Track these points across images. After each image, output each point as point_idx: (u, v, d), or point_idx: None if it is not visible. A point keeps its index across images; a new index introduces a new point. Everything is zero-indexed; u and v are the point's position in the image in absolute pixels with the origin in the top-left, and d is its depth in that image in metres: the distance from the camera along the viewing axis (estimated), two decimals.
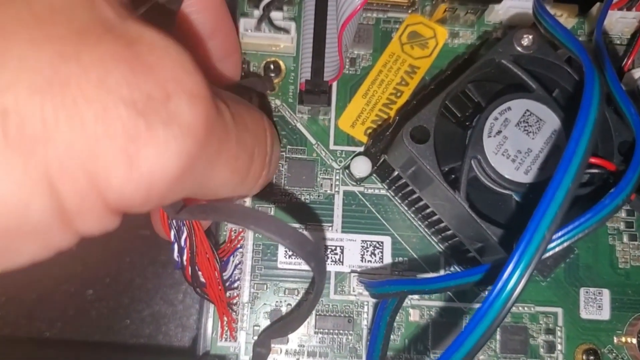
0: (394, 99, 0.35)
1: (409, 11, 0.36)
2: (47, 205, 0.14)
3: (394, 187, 0.34)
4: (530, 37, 0.29)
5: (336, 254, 0.34)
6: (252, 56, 0.35)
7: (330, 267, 0.33)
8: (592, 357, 0.33)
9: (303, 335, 0.33)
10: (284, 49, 0.35)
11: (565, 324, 0.33)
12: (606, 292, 0.34)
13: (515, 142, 0.28)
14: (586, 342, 0.33)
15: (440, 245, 0.34)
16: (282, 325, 0.31)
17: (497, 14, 0.36)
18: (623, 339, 0.33)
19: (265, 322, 0.33)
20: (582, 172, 0.20)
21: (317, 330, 0.33)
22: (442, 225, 0.31)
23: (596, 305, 0.34)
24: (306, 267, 0.33)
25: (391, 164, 0.31)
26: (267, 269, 0.33)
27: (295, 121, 0.35)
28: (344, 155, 0.35)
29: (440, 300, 0.34)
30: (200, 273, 0.29)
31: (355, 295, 0.33)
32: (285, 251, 0.33)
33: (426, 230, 0.34)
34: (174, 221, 0.27)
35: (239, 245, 0.33)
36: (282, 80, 0.35)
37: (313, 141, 0.35)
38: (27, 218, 0.14)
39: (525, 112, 0.28)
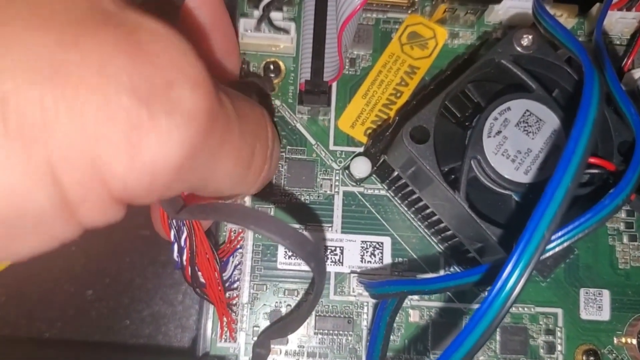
0: (393, 100, 0.35)
1: (409, 11, 0.36)
2: (50, 195, 0.13)
3: (393, 188, 0.34)
4: (530, 37, 0.29)
5: (336, 254, 0.34)
6: (252, 56, 0.35)
7: (330, 268, 0.33)
8: (592, 358, 0.33)
9: (303, 335, 0.33)
10: (283, 49, 0.35)
11: (565, 325, 0.33)
12: (606, 293, 0.34)
13: (515, 142, 0.28)
14: (586, 343, 0.33)
15: (440, 245, 0.34)
16: (281, 326, 0.31)
17: (497, 14, 0.36)
18: (623, 340, 0.33)
19: (265, 323, 0.33)
20: (582, 172, 0.20)
21: (316, 330, 0.33)
22: (442, 225, 0.31)
23: (596, 305, 0.34)
24: (306, 268, 0.33)
25: (391, 164, 0.31)
26: (267, 269, 0.33)
27: (295, 121, 0.35)
28: (343, 156, 0.35)
29: (440, 300, 0.34)
30: (200, 273, 0.29)
31: (355, 296, 0.33)
32: (285, 252, 0.33)
33: (426, 230, 0.34)
34: (174, 221, 0.27)
35: (238, 246, 0.33)
36: (282, 81, 0.35)
37: (313, 141, 0.35)
38: (30, 209, 0.13)
39: (525, 112, 0.28)
